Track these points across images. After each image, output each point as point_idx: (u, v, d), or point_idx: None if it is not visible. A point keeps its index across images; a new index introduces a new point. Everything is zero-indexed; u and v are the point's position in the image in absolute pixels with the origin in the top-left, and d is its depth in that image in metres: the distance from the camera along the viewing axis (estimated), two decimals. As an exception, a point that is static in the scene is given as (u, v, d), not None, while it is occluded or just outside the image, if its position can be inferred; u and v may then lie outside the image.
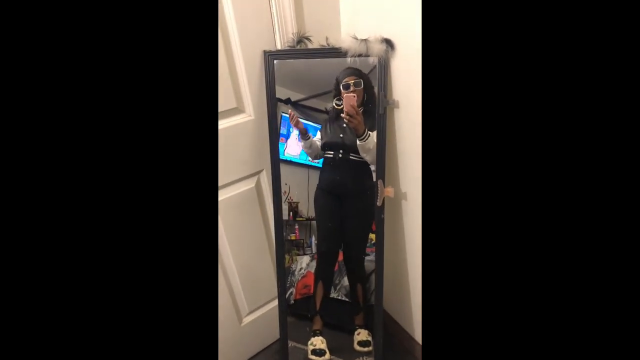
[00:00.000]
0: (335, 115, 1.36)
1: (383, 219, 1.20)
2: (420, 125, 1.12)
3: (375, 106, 1.32)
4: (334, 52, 1.21)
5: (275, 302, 1.49)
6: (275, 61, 1.22)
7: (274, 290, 1.48)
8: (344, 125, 1.35)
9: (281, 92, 1.30)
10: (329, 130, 1.39)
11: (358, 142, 1.28)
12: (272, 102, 1.25)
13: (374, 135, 1.32)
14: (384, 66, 1.18)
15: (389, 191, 1.18)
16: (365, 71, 1.32)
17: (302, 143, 1.37)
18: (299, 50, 1.23)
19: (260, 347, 1.54)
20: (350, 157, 1.37)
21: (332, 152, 1.40)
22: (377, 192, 1.21)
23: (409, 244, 1.33)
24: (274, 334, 1.51)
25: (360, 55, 1.18)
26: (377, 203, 1.19)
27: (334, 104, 1.33)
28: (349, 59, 1.20)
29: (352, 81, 1.26)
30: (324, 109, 1.43)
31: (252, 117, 1.29)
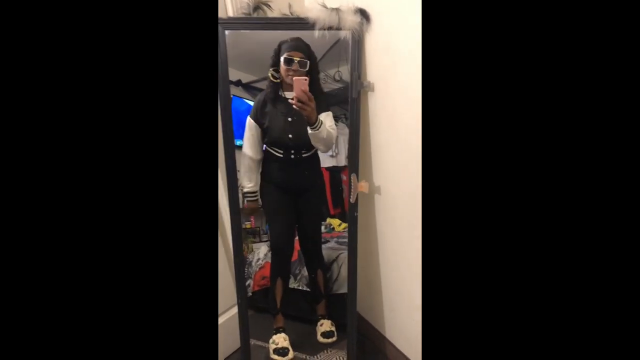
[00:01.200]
0: (273, 94, 1.19)
1: (356, 217, 1.08)
2: (399, 110, 0.99)
3: (318, 91, 1.16)
4: (299, 23, 1.01)
5: (234, 310, 1.34)
6: (226, 32, 0.99)
7: (232, 297, 1.33)
8: (289, 119, 1.20)
9: (232, 74, 1.09)
10: (272, 122, 1.23)
11: (310, 131, 1.13)
12: (225, 81, 1.03)
13: (326, 120, 1.17)
14: (358, 41, 1.01)
15: (362, 186, 1.06)
16: (326, 46, 1.14)
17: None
18: (257, 18, 1.02)
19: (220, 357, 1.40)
20: (303, 155, 1.26)
21: (282, 152, 1.27)
22: (350, 188, 1.08)
23: (382, 241, 1.25)
24: (234, 342, 1.37)
25: (330, 28, 1.00)
26: (350, 200, 1.07)
27: (270, 75, 1.14)
28: (316, 32, 1.01)
29: (298, 58, 1.09)
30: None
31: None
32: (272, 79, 1.16)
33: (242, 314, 1.23)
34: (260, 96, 1.23)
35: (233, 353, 1.39)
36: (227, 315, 1.39)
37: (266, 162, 1.33)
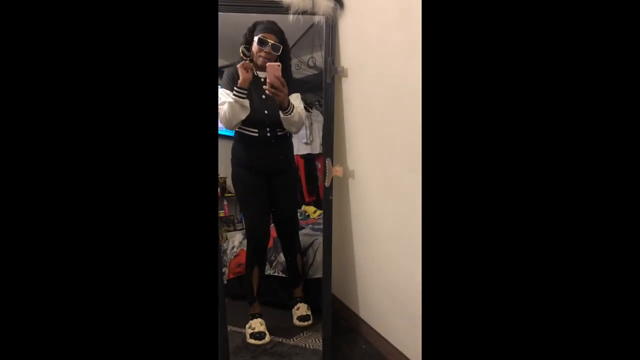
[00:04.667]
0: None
1: (331, 200, 1.11)
2: (373, 95, 1.02)
3: (288, 76, 1.18)
4: (274, 7, 1.02)
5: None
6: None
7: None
8: (264, 96, 1.20)
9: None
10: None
11: (282, 116, 1.15)
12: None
13: (295, 101, 1.19)
14: (332, 27, 1.03)
15: (337, 170, 1.09)
16: (301, 31, 1.15)
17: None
18: (232, 2, 1.01)
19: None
20: (278, 133, 1.26)
21: (257, 130, 1.25)
22: (325, 172, 1.10)
23: (356, 224, 1.28)
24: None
25: (304, 13, 1.01)
26: (325, 184, 1.09)
27: (241, 52, 1.15)
28: (290, 16, 1.02)
29: (272, 41, 1.10)
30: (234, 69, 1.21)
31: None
32: (242, 56, 1.15)
33: (219, 301, 1.23)
34: (231, 69, 1.19)
35: (209, 339, 1.39)
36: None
37: (237, 145, 1.30)
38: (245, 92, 1.12)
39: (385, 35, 0.91)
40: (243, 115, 1.16)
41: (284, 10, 1.00)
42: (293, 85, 1.20)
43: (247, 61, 1.14)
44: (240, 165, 1.32)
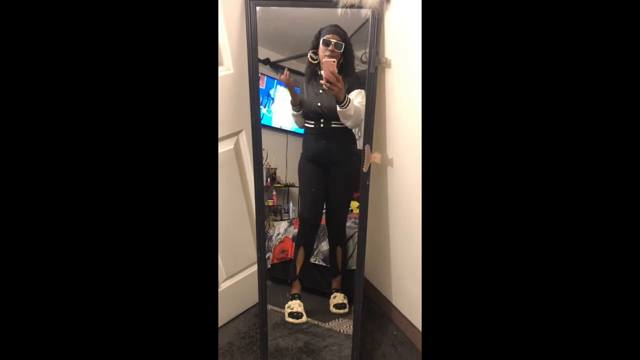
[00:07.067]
0: (311, 72, 1.30)
1: (368, 185, 1.15)
2: (415, 87, 1.05)
3: (351, 71, 1.25)
4: (324, 0, 1.09)
5: (253, 268, 1.44)
6: (257, 8, 1.09)
7: (251, 256, 1.43)
8: (321, 91, 1.30)
9: (261, 53, 1.18)
10: (306, 95, 1.33)
11: (338, 109, 1.22)
12: (254, 55, 1.13)
13: (354, 99, 1.26)
14: (378, 20, 1.09)
15: (375, 157, 1.13)
16: (353, 28, 1.23)
17: (295, 113, 1.32)
18: (285, -4, 1.11)
19: (238, 311, 1.51)
20: (332, 125, 1.33)
21: (313, 122, 1.36)
22: (363, 158, 1.15)
23: (392, 211, 1.31)
24: (252, 298, 1.48)
25: (352, 7, 1.08)
26: (363, 169, 1.14)
27: (309, 57, 1.25)
28: (339, 10, 1.09)
29: (335, 40, 1.19)
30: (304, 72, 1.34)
31: (232, 72, 1.17)
32: (310, 60, 1.26)
33: (261, 276, 1.32)
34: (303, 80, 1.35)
35: (250, 308, 1.50)
36: (247, 272, 1.49)
37: (303, 138, 1.42)
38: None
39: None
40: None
41: (334, 4, 1.08)
42: (356, 81, 1.30)
43: (316, 63, 1.28)
44: (305, 156, 1.43)
